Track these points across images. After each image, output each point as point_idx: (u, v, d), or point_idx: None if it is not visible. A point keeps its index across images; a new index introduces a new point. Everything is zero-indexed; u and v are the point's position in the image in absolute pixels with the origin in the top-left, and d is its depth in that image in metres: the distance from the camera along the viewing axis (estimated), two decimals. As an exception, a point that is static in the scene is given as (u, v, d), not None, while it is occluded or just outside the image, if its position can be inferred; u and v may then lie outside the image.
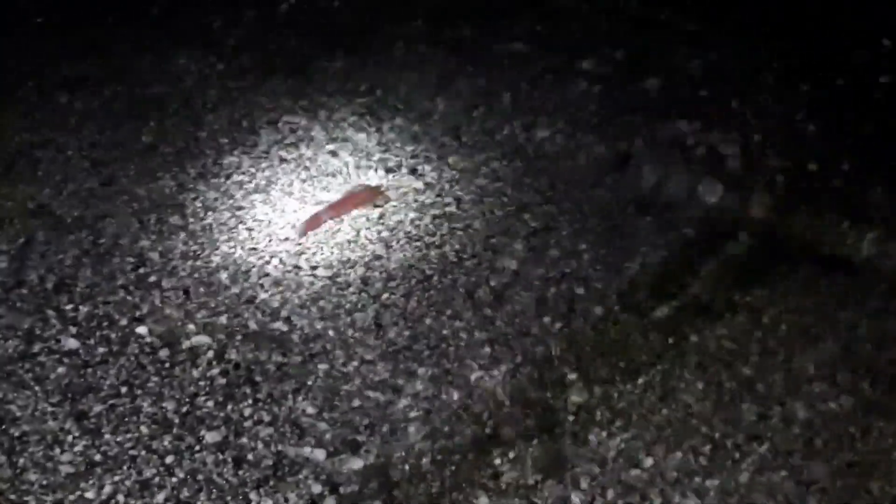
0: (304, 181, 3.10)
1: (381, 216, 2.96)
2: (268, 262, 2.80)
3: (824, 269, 2.77)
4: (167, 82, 3.54)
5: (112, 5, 3.91)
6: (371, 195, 3.01)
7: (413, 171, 3.14)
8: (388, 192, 3.04)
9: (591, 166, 3.17)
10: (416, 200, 3.02)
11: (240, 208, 2.99)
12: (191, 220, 2.94)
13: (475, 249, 2.85)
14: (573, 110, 3.39)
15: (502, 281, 2.74)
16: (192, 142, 3.27)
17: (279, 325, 2.62)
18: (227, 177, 3.12)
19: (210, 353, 2.53)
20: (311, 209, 2.98)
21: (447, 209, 2.99)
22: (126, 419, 2.36)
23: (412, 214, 2.96)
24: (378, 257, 2.82)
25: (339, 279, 2.75)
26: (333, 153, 3.22)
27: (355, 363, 2.51)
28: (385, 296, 2.70)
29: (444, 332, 2.60)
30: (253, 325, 2.62)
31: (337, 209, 2.96)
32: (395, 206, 2.99)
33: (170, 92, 3.50)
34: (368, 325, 2.62)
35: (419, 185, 3.08)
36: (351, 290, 2.72)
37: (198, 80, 3.56)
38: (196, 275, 2.76)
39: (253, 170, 3.15)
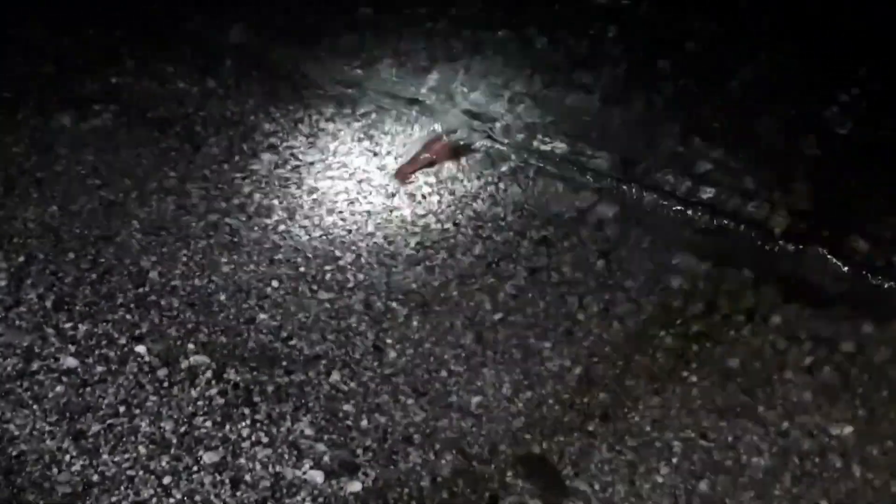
0: (303, 207, 3.11)
1: (386, 237, 2.97)
2: (268, 284, 2.81)
3: None
4: (169, 104, 3.55)
5: (114, 25, 3.94)
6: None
7: (411, 196, 3.16)
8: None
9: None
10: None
11: (240, 230, 3.00)
12: (191, 240, 2.95)
13: (475, 272, 2.86)
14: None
15: (505, 303, 2.75)
16: (193, 163, 3.28)
17: (279, 346, 2.62)
18: (227, 199, 3.13)
19: (209, 373, 2.53)
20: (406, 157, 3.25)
21: (446, 234, 3.00)
22: (124, 439, 2.35)
23: (412, 239, 2.97)
24: (380, 280, 2.82)
25: (339, 302, 2.76)
26: (333, 177, 3.23)
27: (355, 385, 2.51)
28: (386, 319, 2.70)
29: (446, 355, 2.60)
30: (252, 346, 2.62)
31: (430, 151, 3.23)
32: (395, 229, 3.01)
33: (171, 114, 3.51)
34: (368, 347, 2.62)
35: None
36: (351, 312, 2.72)
37: (199, 103, 3.57)
38: (196, 294, 2.77)
39: (253, 193, 3.16)
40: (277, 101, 3.55)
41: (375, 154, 3.33)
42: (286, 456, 2.33)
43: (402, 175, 3.21)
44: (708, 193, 3.11)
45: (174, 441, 2.35)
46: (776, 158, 3.23)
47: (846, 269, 2.87)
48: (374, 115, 3.48)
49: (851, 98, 3.42)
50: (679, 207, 3.09)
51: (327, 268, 2.87)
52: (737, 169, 3.18)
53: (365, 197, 3.13)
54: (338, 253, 2.92)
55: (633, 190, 3.15)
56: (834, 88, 3.47)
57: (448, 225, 3.03)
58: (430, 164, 3.24)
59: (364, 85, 3.61)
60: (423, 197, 3.13)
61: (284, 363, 2.57)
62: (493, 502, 2.24)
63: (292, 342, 2.63)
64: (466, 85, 3.55)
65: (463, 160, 3.26)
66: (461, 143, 3.31)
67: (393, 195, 3.14)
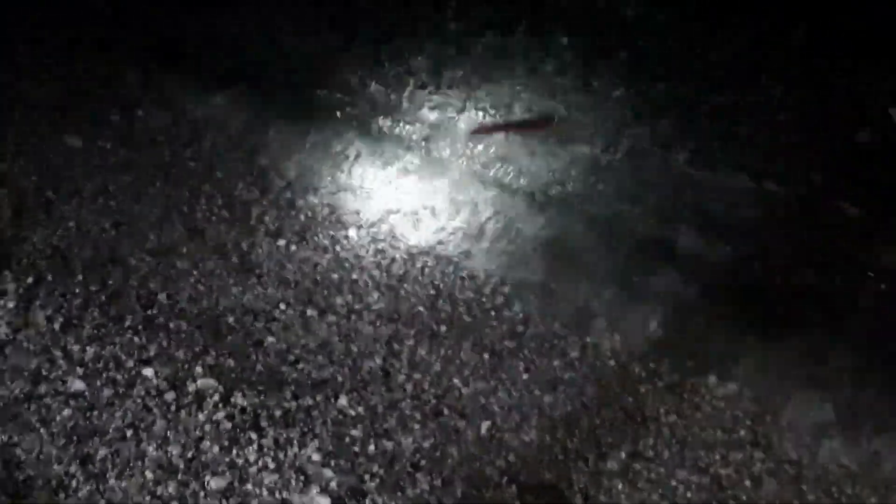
0: (309, 229, 3.11)
1: (393, 260, 2.96)
2: (276, 307, 2.80)
3: None
4: (178, 126, 3.57)
5: (123, 47, 3.95)
6: (542, 125, 3.20)
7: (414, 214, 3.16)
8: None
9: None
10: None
11: (249, 253, 3.00)
12: (199, 263, 2.95)
13: (485, 299, 2.85)
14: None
15: (514, 330, 2.74)
16: (203, 186, 3.28)
17: (286, 370, 2.61)
18: (236, 221, 3.13)
19: (216, 397, 2.53)
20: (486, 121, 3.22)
21: (455, 259, 3.00)
22: (131, 464, 2.34)
23: (419, 261, 2.97)
24: (388, 303, 2.82)
25: (347, 325, 2.75)
26: (342, 199, 3.23)
27: (362, 410, 2.50)
28: (394, 343, 2.69)
29: (454, 380, 2.59)
30: (260, 369, 2.61)
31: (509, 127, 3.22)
32: (401, 254, 3.01)
33: (181, 135, 3.52)
34: (377, 371, 2.61)
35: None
36: (360, 336, 2.72)
37: (208, 123, 3.58)
38: (204, 317, 2.76)
39: (263, 214, 3.16)
40: (289, 122, 3.56)
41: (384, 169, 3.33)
42: (293, 482, 2.32)
43: (480, 130, 3.24)
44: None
45: (181, 466, 2.34)
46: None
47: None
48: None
49: None
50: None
51: (335, 291, 2.87)
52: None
53: (373, 221, 3.13)
54: (346, 276, 2.92)
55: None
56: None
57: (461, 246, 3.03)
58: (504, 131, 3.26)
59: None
60: (427, 225, 3.13)
61: (292, 387, 2.56)
62: (501, 530, 2.23)
63: (300, 366, 2.62)
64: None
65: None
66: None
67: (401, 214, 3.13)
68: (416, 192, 3.19)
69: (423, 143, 3.30)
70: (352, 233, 3.08)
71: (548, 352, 2.69)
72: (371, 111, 3.42)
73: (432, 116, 3.36)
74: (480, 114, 3.28)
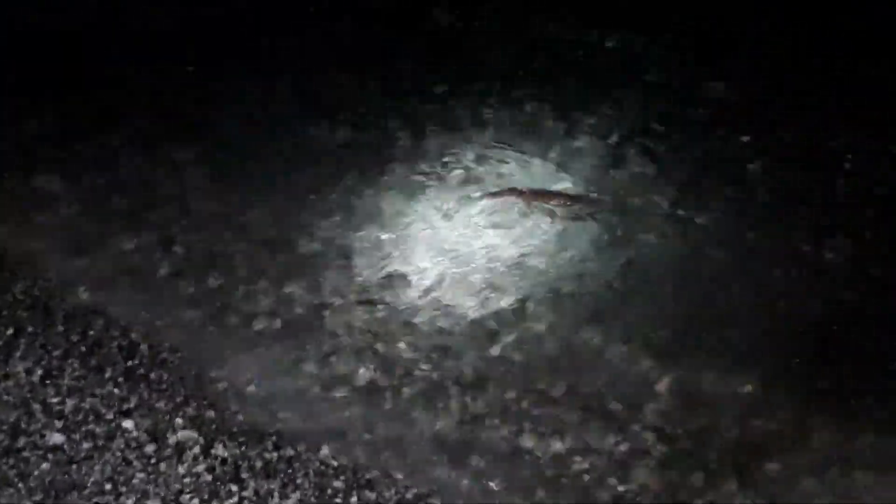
0: (291, 276, 3.10)
1: (372, 301, 2.95)
2: (256, 356, 2.80)
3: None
4: (158, 174, 3.52)
5: (103, 90, 3.94)
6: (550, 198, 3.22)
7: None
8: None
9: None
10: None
11: (228, 305, 2.98)
12: (180, 314, 2.94)
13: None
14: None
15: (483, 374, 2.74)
16: (183, 232, 3.26)
17: (267, 420, 2.60)
18: (215, 267, 3.10)
19: (196, 448, 2.51)
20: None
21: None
22: (110, 518, 2.32)
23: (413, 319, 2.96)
24: (368, 349, 2.81)
25: (328, 373, 2.74)
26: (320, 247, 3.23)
27: (345, 461, 2.49)
28: (374, 393, 2.69)
29: (436, 427, 2.58)
30: (241, 419, 2.60)
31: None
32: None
33: (161, 183, 3.49)
34: (357, 421, 2.60)
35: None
36: (339, 386, 2.71)
37: (192, 172, 3.56)
38: (185, 367, 2.75)
39: (240, 255, 3.14)
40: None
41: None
42: (274, 534, 2.30)
43: (529, 198, 3.25)
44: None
45: (161, 520, 2.32)
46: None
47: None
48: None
49: None
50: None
51: (315, 340, 2.86)
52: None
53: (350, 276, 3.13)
54: (324, 324, 2.91)
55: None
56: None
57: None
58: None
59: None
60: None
61: (273, 438, 2.55)
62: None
63: (281, 416, 2.61)
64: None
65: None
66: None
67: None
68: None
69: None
70: (330, 282, 3.07)
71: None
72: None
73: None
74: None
